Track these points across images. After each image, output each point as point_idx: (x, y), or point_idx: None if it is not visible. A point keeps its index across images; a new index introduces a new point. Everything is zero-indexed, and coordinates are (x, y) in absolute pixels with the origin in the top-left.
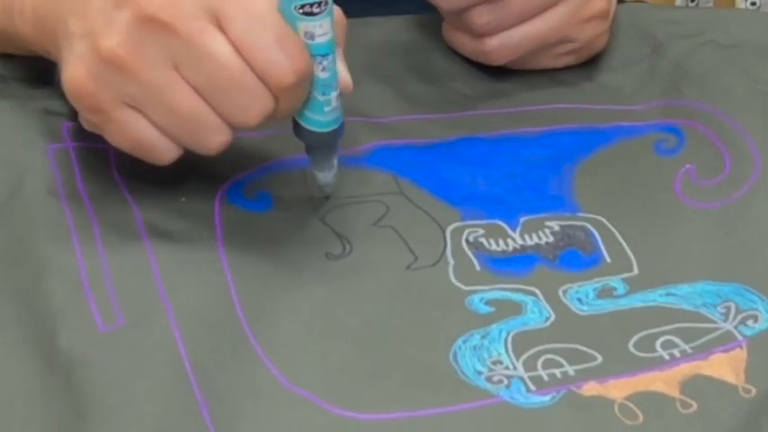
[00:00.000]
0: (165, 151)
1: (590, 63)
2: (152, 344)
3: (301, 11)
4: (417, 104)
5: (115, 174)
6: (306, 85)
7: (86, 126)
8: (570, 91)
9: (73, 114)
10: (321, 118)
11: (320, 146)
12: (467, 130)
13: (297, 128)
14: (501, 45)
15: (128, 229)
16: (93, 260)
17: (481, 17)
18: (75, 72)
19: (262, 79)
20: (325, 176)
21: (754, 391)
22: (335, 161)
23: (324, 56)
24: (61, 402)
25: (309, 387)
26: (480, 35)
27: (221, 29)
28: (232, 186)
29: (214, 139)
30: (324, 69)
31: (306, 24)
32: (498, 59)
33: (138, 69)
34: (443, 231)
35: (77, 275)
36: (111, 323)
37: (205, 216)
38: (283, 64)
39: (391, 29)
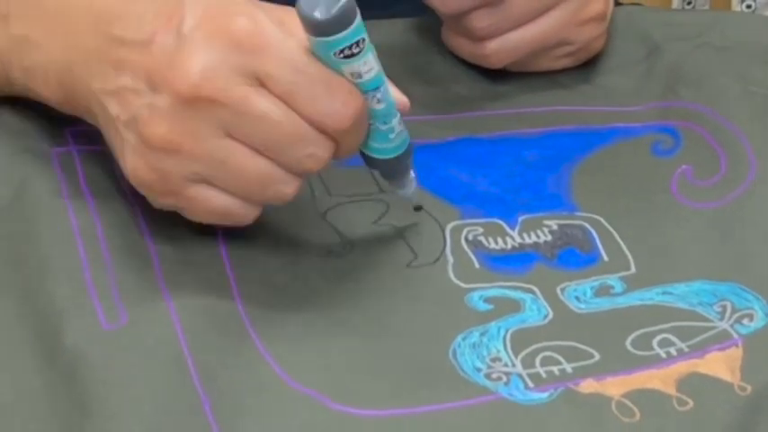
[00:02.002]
0: (244, 214)
1: (588, 65)
2: (155, 342)
3: (341, 55)
4: (417, 106)
5: (118, 175)
6: (363, 123)
7: (158, 207)
8: (568, 93)
9: (75, 118)
10: (388, 145)
11: (396, 169)
12: (466, 131)
13: (367, 159)
14: (500, 48)
15: (130, 230)
16: (96, 260)
17: (480, 21)
18: (135, 166)
19: (319, 129)
20: (406, 192)
21: (749, 389)
22: (412, 175)
23: (375, 89)
24: (65, 400)
25: (310, 384)
26: (479, 38)
27: (266, 88)
28: None
29: (285, 190)
30: (379, 101)
31: (350, 67)
32: (497, 62)
33: (195, 148)
34: (443, 230)
35: (81, 275)
36: (114, 321)
37: None
38: (337, 111)
39: (392, 32)
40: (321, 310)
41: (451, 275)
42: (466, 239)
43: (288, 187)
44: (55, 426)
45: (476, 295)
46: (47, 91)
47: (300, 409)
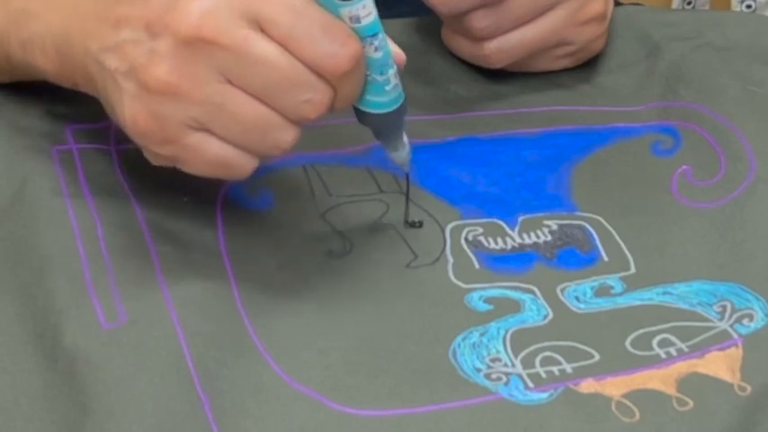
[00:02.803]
0: (242, 164)
1: (587, 65)
2: (155, 341)
3: None
4: (417, 106)
5: (118, 174)
6: (361, 69)
7: (156, 162)
8: (568, 93)
9: (76, 116)
10: (384, 98)
11: (389, 126)
12: (466, 131)
13: (361, 115)
14: (499, 48)
15: (131, 229)
16: (96, 259)
17: (480, 21)
18: (134, 113)
19: (316, 72)
20: (400, 155)
21: (749, 389)
22: (405, 138)
23: (373, 36)
24: (65, 399)
25: (310, 384)
26: (479, 39)
27: (264, 32)
28: (234, 185)
29: (284, 138)
30: (376, 49)
31: (349, 10)
32: (497, 62)
33: (194, 91)
34: (443, 230)
35: (81, 274)
36: (114, 321)
37: (207, 215)
38: (335, 53)
39: (392, 32)
40: (321, 311)
41: (451, 276)
42: (466, 239)
43: (286, 135)
44: (55, 425)
45: (476, 295)
46: (44, 61)
47: (300, 409)
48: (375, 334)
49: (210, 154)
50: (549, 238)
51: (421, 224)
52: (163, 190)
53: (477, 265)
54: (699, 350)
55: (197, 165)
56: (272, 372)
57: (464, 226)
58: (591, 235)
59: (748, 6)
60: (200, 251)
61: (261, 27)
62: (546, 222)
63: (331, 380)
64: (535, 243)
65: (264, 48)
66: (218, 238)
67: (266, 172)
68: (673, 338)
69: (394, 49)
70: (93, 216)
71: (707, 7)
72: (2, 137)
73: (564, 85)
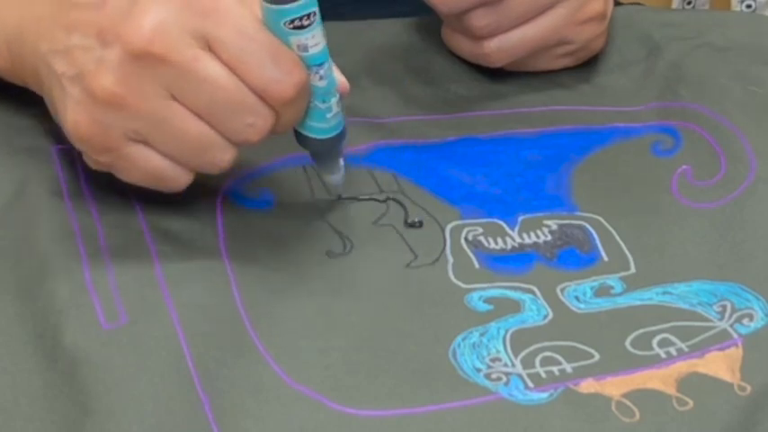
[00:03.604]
0: (176, 178)
1: (587, 65)
2: (155, 341)
3: (291, 26)
4: (417, 105)
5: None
6: (305, 97)
7: (94, 166)
8: (568, 93)
9: None
10: (324, 125)
11: (327, 151)
12: (466, 131)
13: (300, 138)
14: (499, 47)
15: (130, 228)
16: (96, 259)
17: (480, 20)
18: (77, 118)
19: (261, 97)
20: (335, 179)
21: (749, 388)
22: (342, 163)
23: (319, 65)
24: (65, 399)
25: (310, 384)
26: (479, 38)
27: (214, 53)
28: (234, 185)
29: (221, 157)
30: (321, 78)
31: (297, 38)
32: (497, 62)
33: (138, 104)
34: (443, 230)
35: (81, 274)
36: (114, 321)
37: (207, 214)
38: (281, 80)
39: (392, 31)
40: (321, 311)
41: (451, 276)
42: (466, 239)
43: (225, 154)
44: (55, 425)
45: (475, 295)
46: None
47: (300, 410)
48: (375, 334)
49: (147, 166)
50: (549, 237)
51: (421, 224)
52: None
53: (477, 265)
54: (699, 350)
55: (132, 174)
56: (272, 372)
57: (464, 226)
58: (591, 235)
59: (748, 6)
60: (201, 251)
61: (211, 47)
62: (546, 222)
63: (331, 380)
64: (535, 243)
65: (212, 68)
66: (218, 238)
67: (266, 172)
68: (673, 338)
69: (338, 78)
70: (93, 216)
71: (707, 7)
72: (1, 136)
73: (564, 85)
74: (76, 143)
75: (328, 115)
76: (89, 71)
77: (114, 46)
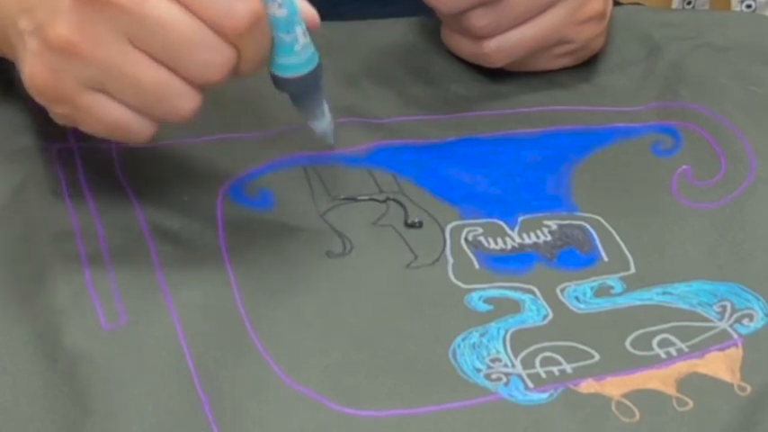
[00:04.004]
0: (140, 128)
1: (587, 65)
2: (155, 341)
3: None
4: (417, 106)
5: (118, 173)
6: (263, 27)
7: (59, 121)
8: (568, 93)
9: None
10: (294, 60)
11: (304, 90)
12: (466, 131)
13: (276, 81)
14: (499, 47)
15: (130, 228)
16: (96, 259)
17: (479, 20)
18: (32, 68)
19: (216, 31)
20: (320, 125)
21: (749, 389)
22: (326, 106)
23: None
24: (65, 399)
25: (310, 384)
26: (478, 38)
27: None
28: (234, 185)
29: (183, 104)
30: (280, 6)
31: None
32: (497, 62)
33: (93, 51)
34: (443, 230)
35: (81, 274)
36: (114, 321)
37: (207, 214)
38: (233, 9)
39: (392, 31)
40: (321, 311)
41: (451, 276)
42: (466, 240)
43: (186, 102)
44: (55, 425)
45: (475, 296)
46: None
47: (300, 410)
48: (375, 334)
49: (107, 115)
50: (549, 238)
51: (421, 224)
52: (163, 189)
53: (476, 266)
54: (699, 350)
55: (93, 125)
56: (272, 372)
57: (464, 226)
58: (591, 235)
59: (748, 6)
60: (201, 251)
61: None
62: (546, 222)
63: (331, 380)
64: (535, 243)
65: (163, 7)
66: (218, 238)
67: (266, 172)
68: (673, 338)
69: (303, 6)
70: (93, 215)
71: (707, 7)
72: (1, 136)
73: (564, 85)
74: (33, 94)
75: (296, 47)
76: (45, 21)
77: None
